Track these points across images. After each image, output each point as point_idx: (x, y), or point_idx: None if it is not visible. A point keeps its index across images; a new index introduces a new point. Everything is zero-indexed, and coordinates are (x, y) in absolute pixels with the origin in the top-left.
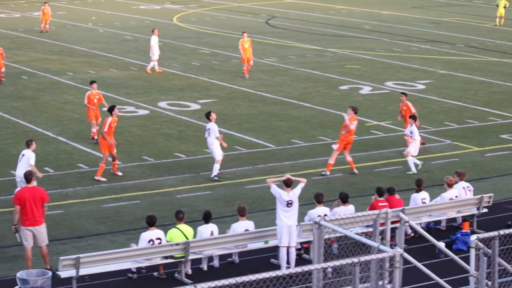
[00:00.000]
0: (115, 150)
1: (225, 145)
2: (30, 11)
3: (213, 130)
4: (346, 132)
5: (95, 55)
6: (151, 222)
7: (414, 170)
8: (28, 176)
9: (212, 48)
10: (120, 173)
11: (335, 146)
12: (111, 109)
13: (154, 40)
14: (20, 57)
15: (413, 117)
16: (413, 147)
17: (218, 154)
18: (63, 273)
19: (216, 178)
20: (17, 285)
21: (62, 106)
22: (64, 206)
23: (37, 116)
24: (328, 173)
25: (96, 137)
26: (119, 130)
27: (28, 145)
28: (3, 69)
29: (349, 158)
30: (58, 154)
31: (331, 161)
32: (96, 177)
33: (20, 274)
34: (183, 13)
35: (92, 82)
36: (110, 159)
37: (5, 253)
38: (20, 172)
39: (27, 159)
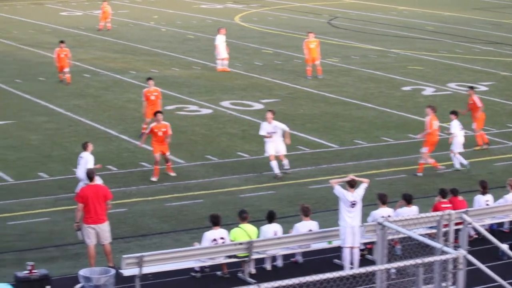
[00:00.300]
0: (167, 153)
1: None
2: (91, 9)
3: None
4: (428, 133)
5: (157, 54)
6: (215, 222)
7: (457, 166)
8: (91, 174)
9: (275, 48)
10: (173, 174)
11: (424, 149)
12: (155, 114)
13: (219, 40)
14: (82, 55)
15: (454, 113)
16: (455, 144)
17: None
18: (126, 271)
19: (284, 172)
20: (79, 282)
21: (125, 105)
22: (128, 205)
23: (99, 115)
24: (420, 174)
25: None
26: (182, 129)
27: (84, 148)
28: (67, 69)
29: (430, 160)
30: (121, 152)
31: (425, 161)
32: (152, 179)
33: (83, 272)
34: (245, 12)
35: (148, 79)
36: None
37: (68, 251)
38: (80, 174)
39: (85, 162)
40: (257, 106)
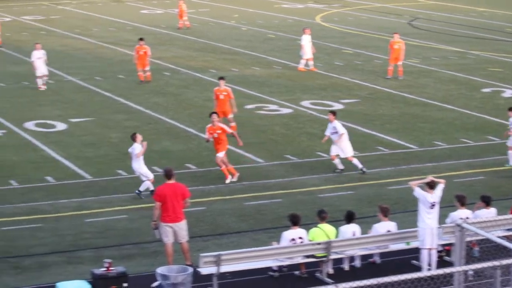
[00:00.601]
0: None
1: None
2: (172, 7)
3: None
4: None
5: (238, 53)
6: (294, 221)
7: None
8: (169, 172)
9: (355, 48)
10: (229, 178)
11: None
12: (210, 115)
13: (305, 39)
14: (162, 54)
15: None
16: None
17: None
18: (204, 270)
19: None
20: (156, 280)
21: (205, 103)
22: (206, 203)
23: (179, 113)
24: None
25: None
26: (262, 129)
27: (133, 139)
28: (147, 68)
29: None
30: (201, 151)
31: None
32: (226, 181)
33: (160, 270)
34: (325, 12)
35: (219, 78)
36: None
37: (145, 249)
38: (133, 165)
39: (133, 152)
40: (337, 106)
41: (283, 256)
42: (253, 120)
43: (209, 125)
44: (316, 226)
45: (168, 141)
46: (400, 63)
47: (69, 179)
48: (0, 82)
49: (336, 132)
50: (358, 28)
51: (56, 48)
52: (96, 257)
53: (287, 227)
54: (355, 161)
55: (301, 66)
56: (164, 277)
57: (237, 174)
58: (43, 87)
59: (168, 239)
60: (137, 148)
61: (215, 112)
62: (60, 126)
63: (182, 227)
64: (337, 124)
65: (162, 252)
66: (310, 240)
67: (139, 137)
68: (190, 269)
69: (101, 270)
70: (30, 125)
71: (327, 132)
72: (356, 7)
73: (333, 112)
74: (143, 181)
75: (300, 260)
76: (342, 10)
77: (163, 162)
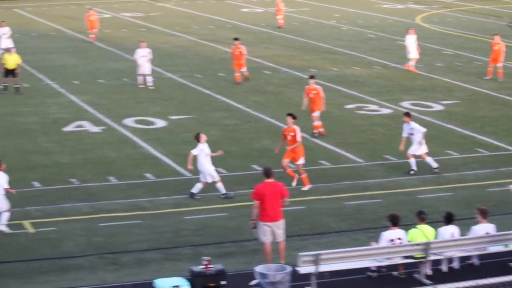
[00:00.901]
0: (299, 161)
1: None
2: (272, 6)
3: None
4: None
5: (337, 53)
6: (394, 222)
7: None
8: (268, 171)
9: (455, 49)
10: (306, 188)
11: None
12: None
13: (409, 39)
14: (262, 52)
15: None
16: None
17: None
18: (303, 269)
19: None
20: (254, 279)
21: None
22: (305, 203)
23: (279, 111)
24: None
25: (320, 130)
26: (362, 129)
27: (197, 139)
28: (243, 69)
29: None
30: None
31: None
32: (304, 188)
33: (259, 269)
34: (426, 13)
35: (309, 77)
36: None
37: (244, 247)
38: (199, 166)
39: (201, 152)
40: (437, 107)
41: (382, 257)
42: (353, 120)
43: (286, 127)
44: (415, 227)
45: (268, 140)
46: (500, 64)
47: (168, 176)
48: (99, 79)
49: (413, 134)
50: (458, 29)
51: (156, 46)
52: (194, 254)
53: (386, 228)
54: (429, 160)
55: (411, 66)
56: (263, 275)
57: (296, 177)
58: (150, 87)
59: (267, 238)
60: (202, 148)
61: (290, 114)
62: (160, 123)
63: (280, 226)
64: (414, 125)
65: (260, 250)
66: (409, 241)
67: (203, 137)
68: (289, 268)
69: (199, 268)
70: (129, 121)
71: (404, 134)
72: (456, 8)
73: (408, 114)
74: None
75: (398, 260)
76: (442, 11)
77: (263, 160)
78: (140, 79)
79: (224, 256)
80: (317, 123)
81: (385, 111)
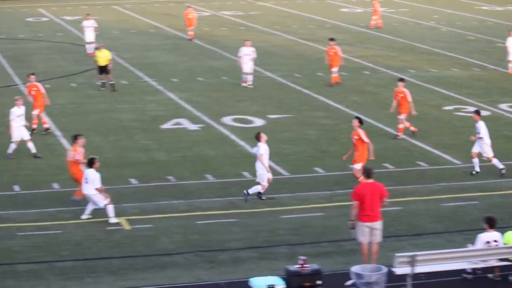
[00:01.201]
0: (355, 165)
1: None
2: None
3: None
4: None
5: (436, 54)
6: (491, 224)
7: None
8: (369, 172)
9: None
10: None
11: None
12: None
13: (510, 41)
14: (362, 52)
15: None
16: None
17: None
18: (399, 270)
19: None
20: (351, 279)
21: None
22: (403, 203)
23: (377, 112)
24: None
25: (410, 128)
26: (460, 130)
27: (258, 138)
28: (335, 68)
29: None
30: (398, 150)
31: None
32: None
33: (355, 269)
34: None
35: (399, 80)
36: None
37: (341, 247)
38: (257, 165)
39: (258, 152)
40: None
41: (478, 259)
42: (452, 121)
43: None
44: (511, 230)
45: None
46: None
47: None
48: (198, 77)
49: (478, 133)
50: None
51: (255, 44)
52: (290, 254)
53: (482, 230)
54: (495, 161)
55: (510, 69)
56: (358, 276)
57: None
58: (249, 86)
59: (365, 238)
60: (262, 147)
61: (357, 117)
62: (258, 122)
63: (378, 227)
64: (480, 125)
65: (357, 250)
66: (505, 244)
67: (263, 136)
68: (385, 269)
69: (295, 267)
70: (228, 120)
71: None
72: None
73: (477, 112)
74: (257, 183)
75: (494, 263)
76: None
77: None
78: (244, 77)
79: (320, 256)
80: (401, 125)
81: (484, 113)
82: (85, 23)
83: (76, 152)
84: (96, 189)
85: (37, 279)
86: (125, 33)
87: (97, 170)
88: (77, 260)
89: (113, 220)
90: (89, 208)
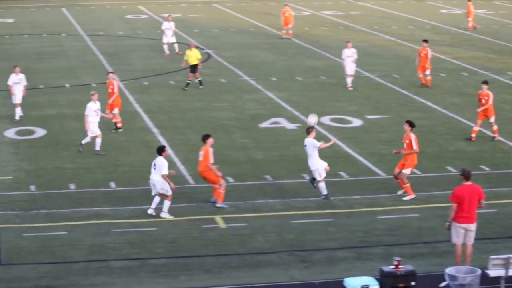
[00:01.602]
0: (404, 170)
1: None
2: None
3: None
4: None
5: None
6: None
7: None
8: (468, 174)
9: None
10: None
11: None
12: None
13: None
14: (460, 54)
15: None
16: None
17: None
18: (492, 272)
19: None
20: (445, 280)
21: (501, 106)
22: (499, 205)
23: (475, 114)
24: None
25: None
26: None
27: (308, 133)
28: (427, 71)
29: None
30: (495, 153)
31: None
32: (405, 198)
33: (449, 270)
34: None
35: (482, 82)
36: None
37: (436, 248)
38: (309, 161)
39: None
40: None
41: None
42: None
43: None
44: None
45: (462, 142)
46: None
47: (363, 175)
48: (297, 76)
49: None
50: None
51: (354, 44)
52: (386, 254)
53: None
54: None
55: None
56: (452, 277)
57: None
58: (350, 88)
59: (459, 240)
60: (313, 144)
61: (408, 121)
62: (356, 122)
63: (472, 229)
64: None
65: (452, 252)
66: None
67: (313, 133)
68: (479, 271)
69: (390, 268)
70: (325, 119)
71: None
72: None
73: None
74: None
75: None
76: None
77: (456, 162)
78: (349, 80)
79: (416, 257)
80: (495, 127)
81: None
82: (165, 24)
83: (207, 153)
84: (162, 175)
85: (130, 276)
86: (225, 32)
87: (165, 158)
88: (171, 257)
89: (165, 215)
90: (155, 202)
